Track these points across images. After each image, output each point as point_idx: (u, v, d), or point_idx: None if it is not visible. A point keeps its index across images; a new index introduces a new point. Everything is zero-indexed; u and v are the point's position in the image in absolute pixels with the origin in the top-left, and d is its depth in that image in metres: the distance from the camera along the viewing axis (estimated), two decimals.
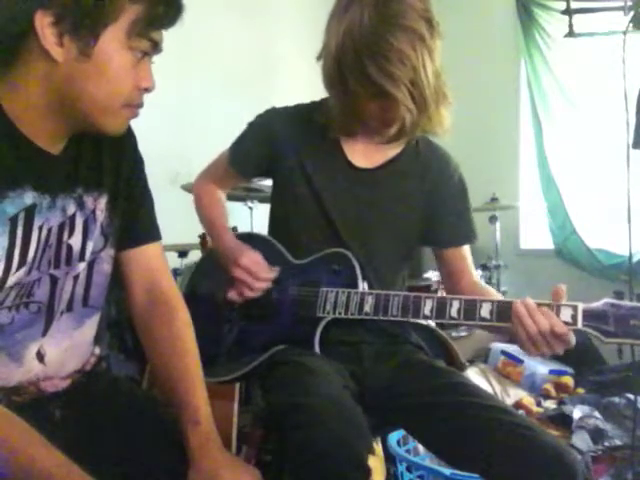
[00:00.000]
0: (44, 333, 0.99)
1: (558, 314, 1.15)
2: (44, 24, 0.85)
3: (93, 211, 1.03)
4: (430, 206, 1.44)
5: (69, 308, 1.03)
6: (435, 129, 1.37)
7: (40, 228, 0.94)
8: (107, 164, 1.05)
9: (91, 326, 1.09)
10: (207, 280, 1.55)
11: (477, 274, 1.50)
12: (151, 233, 1.15)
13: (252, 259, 1.37)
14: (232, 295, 1.38)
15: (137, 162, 1.12)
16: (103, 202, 1.05)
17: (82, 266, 1.03)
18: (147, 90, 0.96)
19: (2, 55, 0.90)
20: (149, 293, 1.13)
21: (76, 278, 1.03)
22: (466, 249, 1.49)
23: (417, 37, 1.20)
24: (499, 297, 1.30)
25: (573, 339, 1.14)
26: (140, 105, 0.97)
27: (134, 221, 1.11)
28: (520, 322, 1.15)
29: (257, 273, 1.36)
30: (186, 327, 1.13)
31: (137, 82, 0.94)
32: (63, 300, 1.02)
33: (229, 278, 1.38)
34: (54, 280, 0.99)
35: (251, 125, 1.50)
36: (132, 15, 0.89)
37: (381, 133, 1.38)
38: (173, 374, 1.07)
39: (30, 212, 0.92)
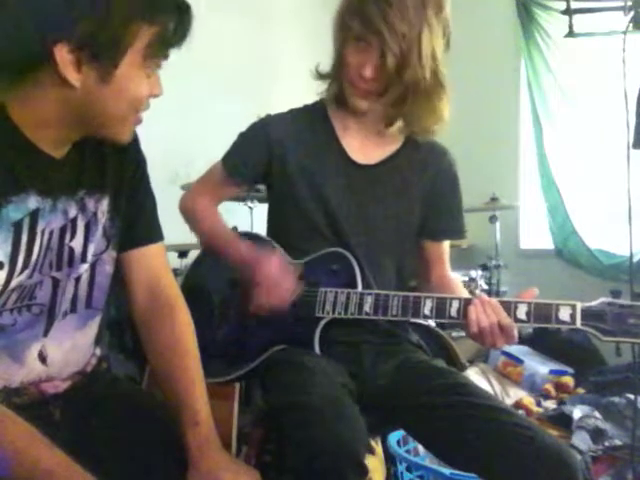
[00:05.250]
0: (45, 334, 1.00)
1: (510, 311, 1.19)
2: (62, 53, 0.84)
3: (95, 213, 1.03)
4: (428, 200, 1.45)
5: (72, 309, 1.03)
6: (436, 122, 1.39)
7: (43, 232, 0.94)
8: (110, 166, 1.05)
9: (93, 327, 1.09)
10: (205, 280, 1.54)
11: (450, 270, 1.53)
12: (153, 234, 1.15)
13: (275, 266, 1.33)
14: (258, 307, 1.35)
15: (140, 163, 1.12)
16: (105, 204, 1.05)
17: (84, 268, 1.03)
18: (155, 96, 0.96)
19: (15, 76, 0.89)
20: (150, 293, 1.13)
21: (77, 280, 1.03)
22: (446, 244, 1.51)
23: (421, 3, 1.26)
24: (466, 293, 1.36)
25: (516, 335, 1.19)
26: (146, 109, 0.98)
27: (136, 222, 1.11)
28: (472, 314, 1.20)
29: (284, 280, 1.33)
30: (187, 328, 1.12)
31: (149, 91, 0.94)
32: (65, 302, 1.02)
33: (251, 288, 1.35)
34: (56, 282, 0.99)
35: (244, 134, 1.49)
36: (147, 38, 0.89)
37: (354, 99, 1.37)
38: (173, 374, 1.07)
39: (34, 217, 0.92)
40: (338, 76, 1.39)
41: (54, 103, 0.89)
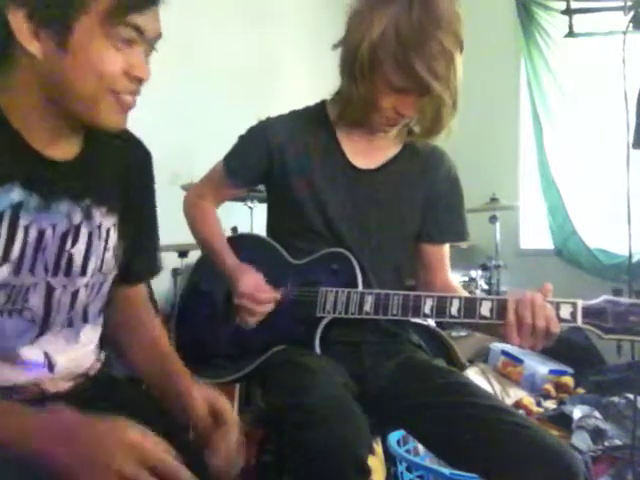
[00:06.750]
0: (40, 339, 0.98)
1: (557, 312, 1.15)
2: (18, 19, 0.84)
3: (99, 226, 1.02)
4: (427, 203, 1.45)
5: (69, 324, 1.02)
6: (441, 133, 1.40)
7: (26, 228, 0.92)
8: (118, 183, 1.05)
9: (92, 340, 1.08)
10: (206, 281, 1.54)
11: (451, 274, 1.52)
12: (149, 272, 1.19)
13: (251, 284, 1.35)
14: (240, 322, 1.37)
15: (148, 183, 1.13)
16: (112, 221, 1.04)
17: (82, 282, 1.01)
18: (140, 80, 0.93)
19: None
20: (125, 313, 1.16)
21: (75, 294, 1.01)
22: (447, 247, 1.50)
23: (459, 44, 1.28)
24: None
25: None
26: (132, 92, 0.94)
27: (136, 255, 1.12)
28: (521, 311, 1.14)
29: (259, 297, 1.34)
30: (161, 334, 1.15)
31: (127, 69, 0.91)
32: (61, 313, 1.00)
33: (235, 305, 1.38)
34: (50, 289, 0.97)
35: (245, 136, 1.48)
36: (104, 3, 0.86)
37: (383, 128, 1.38)
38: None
39: (16, 210, 0.91)
40: (367, 108, 1.34)
41: (27, 82, 0.89)
